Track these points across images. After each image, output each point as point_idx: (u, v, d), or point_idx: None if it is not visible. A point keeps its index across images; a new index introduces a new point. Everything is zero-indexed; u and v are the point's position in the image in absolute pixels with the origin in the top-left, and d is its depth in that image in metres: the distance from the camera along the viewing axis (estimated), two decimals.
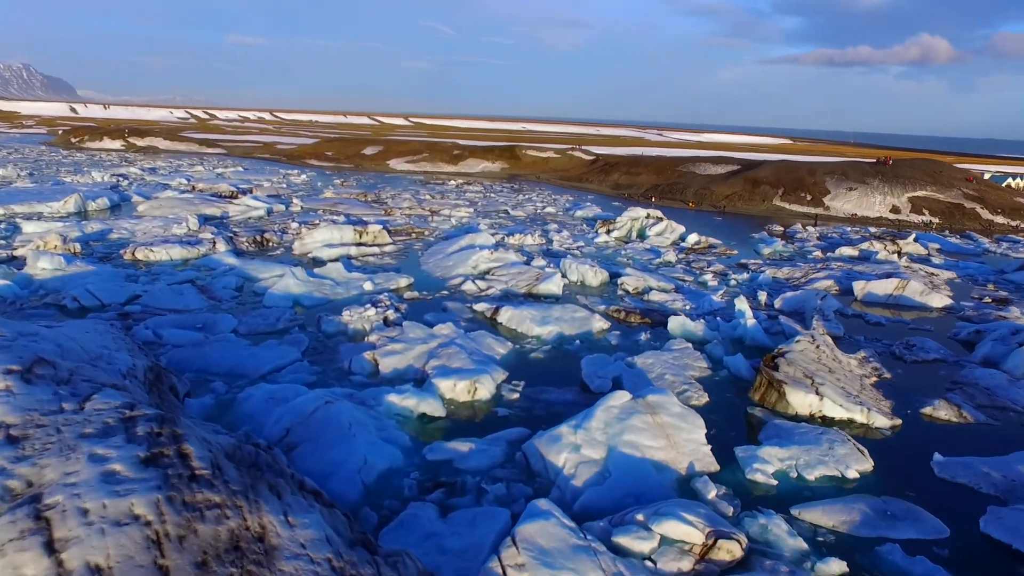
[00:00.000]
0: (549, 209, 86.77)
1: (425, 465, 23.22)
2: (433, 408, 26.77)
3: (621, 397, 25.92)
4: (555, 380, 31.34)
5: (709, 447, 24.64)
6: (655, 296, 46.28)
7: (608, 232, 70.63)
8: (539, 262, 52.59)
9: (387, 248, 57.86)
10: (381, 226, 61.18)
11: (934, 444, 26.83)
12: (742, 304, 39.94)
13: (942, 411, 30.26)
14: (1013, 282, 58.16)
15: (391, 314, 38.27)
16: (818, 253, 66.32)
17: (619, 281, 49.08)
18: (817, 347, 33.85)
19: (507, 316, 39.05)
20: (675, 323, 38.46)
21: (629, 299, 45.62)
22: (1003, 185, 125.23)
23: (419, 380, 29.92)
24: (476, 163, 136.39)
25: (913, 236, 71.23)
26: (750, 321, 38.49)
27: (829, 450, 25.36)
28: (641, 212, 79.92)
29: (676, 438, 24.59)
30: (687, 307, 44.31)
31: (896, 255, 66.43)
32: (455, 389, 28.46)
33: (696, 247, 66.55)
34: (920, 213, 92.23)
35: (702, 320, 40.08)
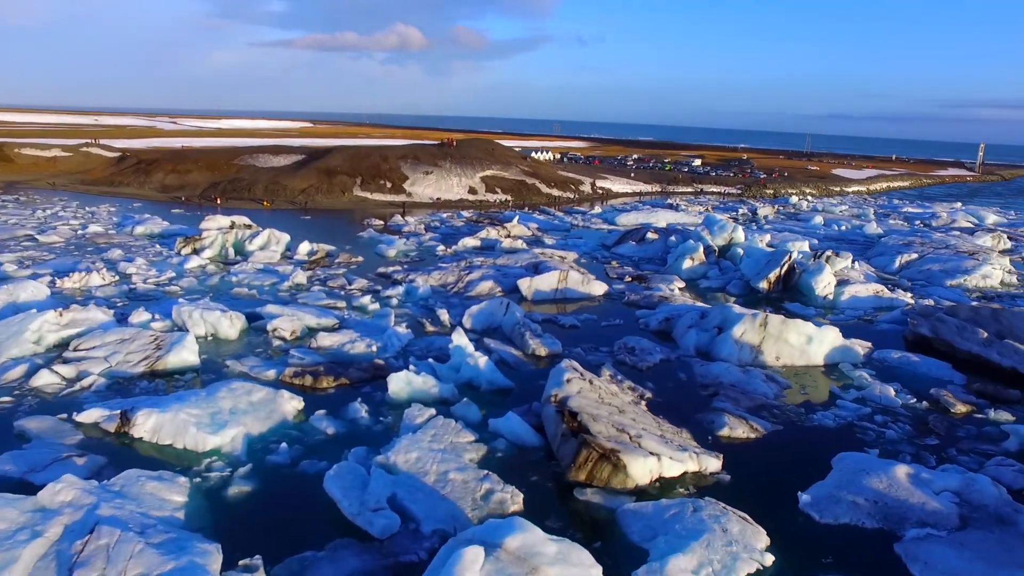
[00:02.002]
0: (95, 228, 65.62)
1: None
2: None
3: (473, 559, 16.02)
4: (303, 532, 19.53)
5: None
6: (325, 340, 35.28)
7: (196, 252, 55.50)
8: (141, 316, 36.79)
9: None
10: None
11: (772, 476, 24.08)
12: (460, 339, 32.03)
13: (737, 429, 27.19)
14: (624, 256, 61.43)
15: None
16: (442, 248, 61.63)
17: (268, 327, 36.63)
18: (589, 382, 27.87)
19: (150, 425, 24.63)
20: (398, 383, 28.66)
21: (298, 352, 33.76)
22: (522, 155, 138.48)
23: None
24: None
25: (516, 218, 71.57)
26: (480, 360, 30.80)
27: (724, 534, 19.49)
28: (224, 220, 65.39)
29: None
30: (372, 348, 34.64)
31: (508, 238, 65.49)
32: None
33: (315, 259, 56.03)
34: (494, 192, 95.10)
35: (414, 368, 31.02)
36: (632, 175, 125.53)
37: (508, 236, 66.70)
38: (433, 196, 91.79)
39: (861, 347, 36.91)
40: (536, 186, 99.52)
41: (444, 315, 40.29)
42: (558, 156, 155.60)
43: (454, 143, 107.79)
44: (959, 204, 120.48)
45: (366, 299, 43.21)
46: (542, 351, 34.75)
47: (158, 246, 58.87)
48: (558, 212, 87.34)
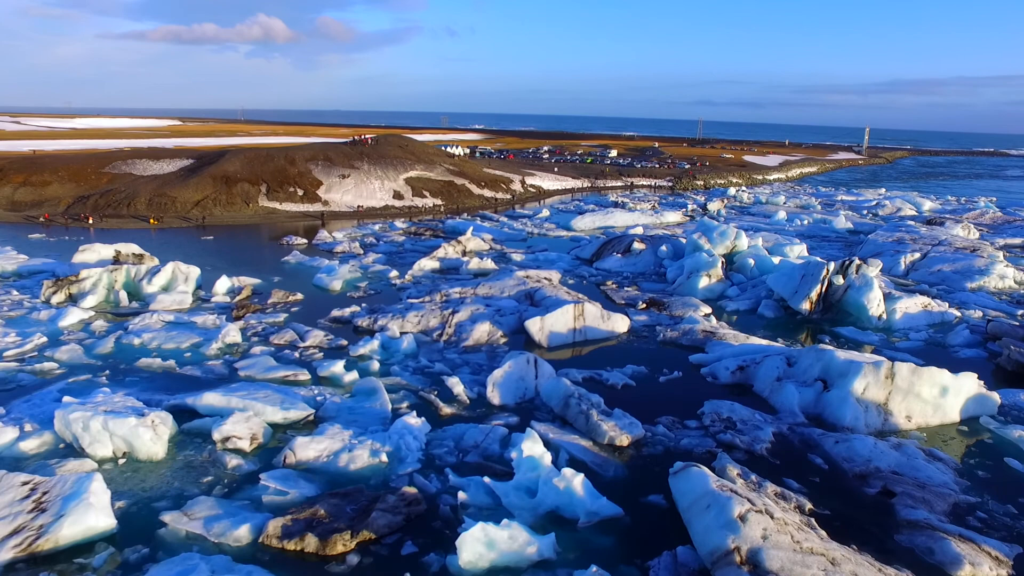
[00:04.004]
0: None
1: None
2: None
3: None
4: None
5: None
6: (305, 450, 23.82)
7: (73, 300, 41.89)
8: (6, 436, 24.13)
9: None
10: None
11: None
12: (534, 446, 22.02)
13: (980, 564, 18.70)
14: (612, 271, 52.73)
15: None
16: (395, 274, 50.30)
17: (215, 435, 24.78)
18: (769, 515, 18.40)
19: None
20: (474, 550, 17.93)
21: (272, 479, 22.07)
22: (445, 152, 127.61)
23: None
24: None
25: (471, 230, 60.87)
26: (575, 481, 20.69)
27: None
28: (105, 250, 51.74)
29: None
30: (381, 457, 23.68)
31: (467, 256, 55.29)
32: None
33: (240, 300, 43.64)
34: (422, 196, 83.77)
35: (466, 497, 20.75)
36: (556, 170, 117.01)
37: (465, 252, 56.39)
38: (353, 203, 79.48)
39: (992, 393, 29.41)
40: (467, 187, 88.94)
41: (457, 385, 29.72)
42: (467, 151, 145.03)
43: (368, 140, 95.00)
44: (883, 190, 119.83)
45: (337, 366, 31.70)
46: (623, 439, 25.01)
47: (15, 292, 44.16)
48: (500, 216, 77.37)
